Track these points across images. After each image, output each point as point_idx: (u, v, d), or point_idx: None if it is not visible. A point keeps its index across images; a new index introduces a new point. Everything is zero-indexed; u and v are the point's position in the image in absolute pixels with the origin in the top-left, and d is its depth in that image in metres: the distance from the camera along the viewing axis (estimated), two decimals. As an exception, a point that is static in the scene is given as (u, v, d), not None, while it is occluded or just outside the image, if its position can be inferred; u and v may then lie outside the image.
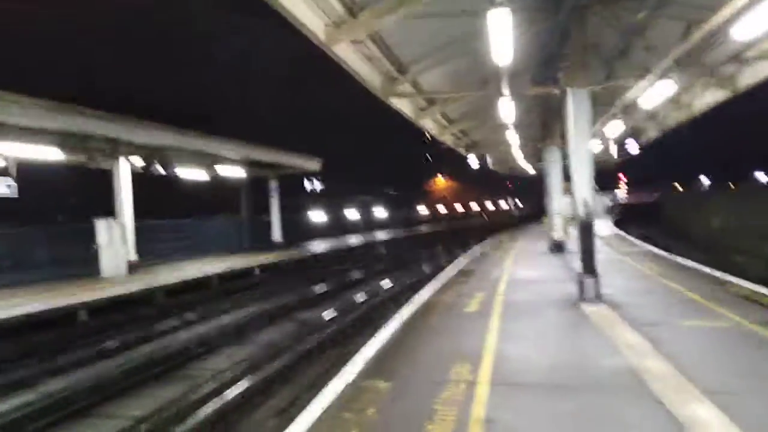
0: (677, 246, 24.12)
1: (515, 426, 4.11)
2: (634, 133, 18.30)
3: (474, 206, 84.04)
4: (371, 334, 7.46)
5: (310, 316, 12.86)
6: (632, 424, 4.06)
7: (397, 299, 14.76)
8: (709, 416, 4.08)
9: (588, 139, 9.05)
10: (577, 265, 8.83)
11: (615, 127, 15.79)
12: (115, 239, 15.62)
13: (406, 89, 11.48)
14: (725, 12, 6.30)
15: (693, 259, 14.45)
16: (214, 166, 19.69)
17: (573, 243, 14.99)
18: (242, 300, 14.65)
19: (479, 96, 12.58)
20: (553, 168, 17.93)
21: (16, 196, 13.25)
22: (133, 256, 16.49)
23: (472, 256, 18.12)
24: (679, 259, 14.17)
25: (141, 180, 17.16)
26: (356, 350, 6.61)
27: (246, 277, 18.06)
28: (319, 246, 26.68)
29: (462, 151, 20.38)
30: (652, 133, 20.51)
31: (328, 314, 12.37)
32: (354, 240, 31.65)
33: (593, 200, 8.67)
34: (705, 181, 74.01)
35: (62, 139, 13.36)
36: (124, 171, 16.35)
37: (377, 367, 5.72)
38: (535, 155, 21.77)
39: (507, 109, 11.52)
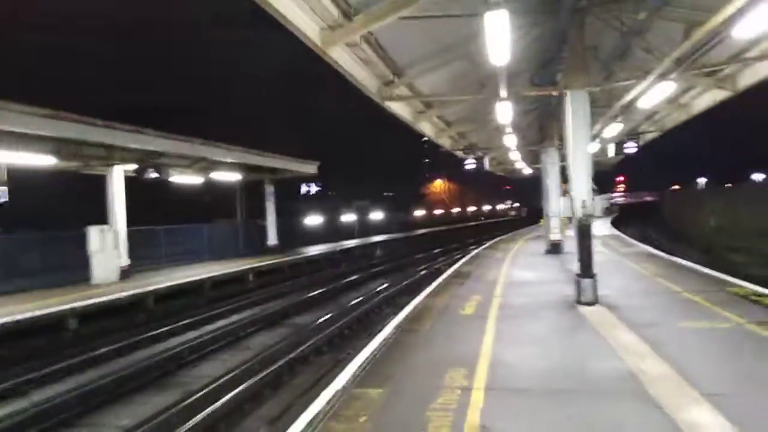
0: (675, 246, 24.10)
1: (511, 433, 4.00)
2: (632, 133, 18.20)
3: (472, 208, 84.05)
4: (366, 338, 7.35)
5: (305, 321, 12.74)
6: (631, 430, 3.96)
7: (392, 302, 14.68)
8: (709, 421, 3.97)
9: (587, 141, 8.97)
10: (575, 266, 8.73)
11: (613, 129, 15.73)
12: (108, 245, 15.47)
13: (402, 93, 11.38)
14: (725, 12, 6.21)
15: (691, 259, 14.40)
16: (210, 171, 19.55)
17: (570, 244, 14.92)
18: (236, 305, 14.51)
19: (477, 99, 12.50)
20: (550, 169, 17.87)
21: (5, 199, 13.08)
22: (126, 262, 16.34)
23: (469, 258, 18.02)
24: (677, 260, 14.10)
25: (135, 185, 17.02)
26: (350, 355, 6.49)
27: (240, 281, 17.92)
28: (315, 250, 26.55)
29: (460, 153, 20.27)
30: (650, 134, 20.45)
31: (323, 318, 12.24)
32: (350, 244, 31.51)
33: (592, 201, 8.57)
34: (703, 182, 74.11)
35: (56, 146, 13.22)
36: (118, 177, 16.22)
37: (370, 373, 5.59)
38: (533, 157, 21.69)
39: (505, 111, 11.43)
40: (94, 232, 15.25)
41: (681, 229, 34.99)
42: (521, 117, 14.95)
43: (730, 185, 42.89)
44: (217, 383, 7.76)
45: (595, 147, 17.41)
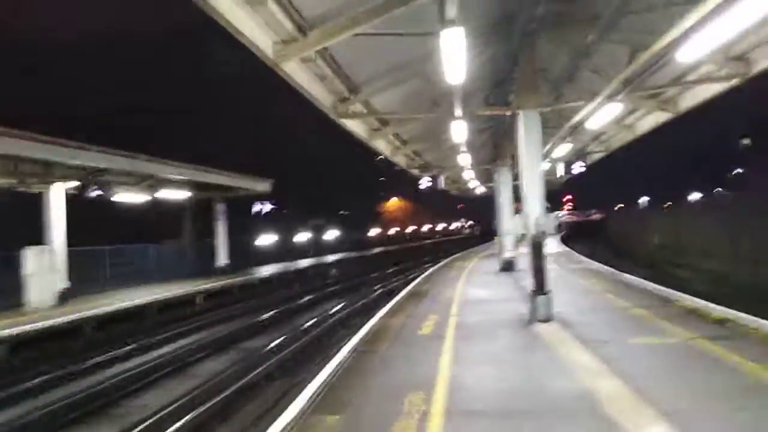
0: (621, 262, 24.95)
1: (472, 459, 3.86)
2: (580, 153, 18.87)
3: (427, 227, 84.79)
4: (321, 361, 7.08)
5: (257, 345, 12.26)
6: (591, 452, 3.90)
7: (347, 323, 14.40)
8: (667, 439, 3.97)
9: (539, 160, 9.15)
10: (528, 283, 8.80)
11: (563, 148, 16.22)
12: (45, 267, 14.51)
13: (358, 110, 11.32)
14: (668, 36, 6.48)
15: (636, 275, 14.88)
16: (157, 188, 18.79)
17: (523, 261, 15.14)
18: (183, 329, 13.84)
19: (432, 117, 12.60)
20: (503, 188, 18.19)
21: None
22: (65, 285, 15.36)
23: (425, 277, 18.00)
24: (624, 276, 14.54)
25: (77, 204, 16.13)
26: (305, 380, 6.21)
27: (187, 304, 17.18)
28: (267, 270, 25.91)
29: (415, 172, 20.40)
30: (597, 154, 21.25)
31: (275, 342, 11.82)
32: (304, 263, 30.99)
33: (545, 219, 8.69)
34: (645, 201, 77.78)
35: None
36: (57, 195, 15.31)
37: (326, 399, 5.35)
38: (487, 176, 22.08)
39: (459, 130, 11.55)
40: (30, 254, 14.30)
41: (626, 246, 36.41)
42: (475, 136, 15.18)
43: (669, 204, 45.16)
44: (160, 414, 7.28)
45: (546, 166, 17.92)
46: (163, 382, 9.57)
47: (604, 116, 11.04)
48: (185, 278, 21.39)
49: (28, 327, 11.21)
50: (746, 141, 55.36)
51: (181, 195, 20.52)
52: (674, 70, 10.38)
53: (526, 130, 8.99)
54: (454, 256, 30.58)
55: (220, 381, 8.90)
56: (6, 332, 10.69)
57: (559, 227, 53.85)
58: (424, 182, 19.03)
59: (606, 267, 17.61)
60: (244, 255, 27.88)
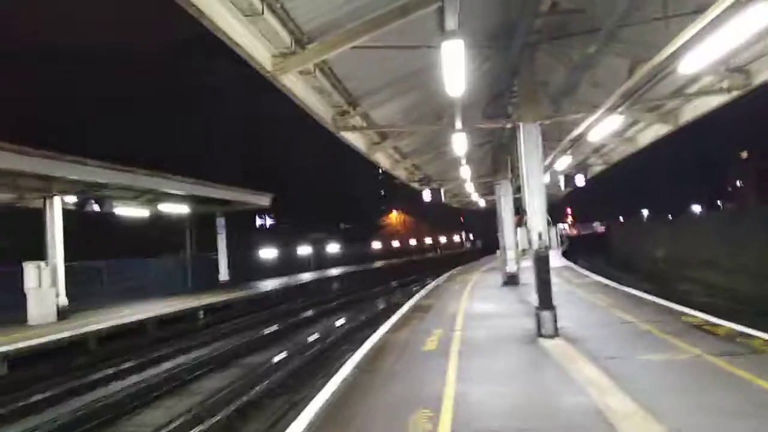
0: (623, 275, 24.80)
1: (480, 482, 3.73)
2: (581, 166, 18.81)
3: (428, 240, 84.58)
4: (324, 378, 6.95)
5: (259, 361, 12.10)
6: (604, 473, 3.77)
7: (350, 338, 14.23)
8: (682, 460, 3.84)
9: (540, 172, 9.08)
10: (533, 298, 8.68)
11: (564, 162, 16.16)
12: (45, 283, 14.40)
13: (357, 123, 11.29)
14: (668, 49, 6.45)
15: (639, 288, 14.74)
16: (157, 203, 18.74)
17: (526, 276, 15.00)
18: (184, 345, 13.68)
19: (432, 130, 12.57)
20: (505, 202, 18.10)
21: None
22: (64, 301, 15.23)
23: (428, 291, 17.85)
24: (628, 290, 14.39)
25: (76, 219, 16.07)
26: (307, 397, 6.09)
27: (189, 320, 17.03)
28: (268, 284, 25.75)
29: (415, 185, 20.34)
30: (598, 167, 21.21)
31: (277, 358, 11.66)
32: (306, 277, 30.82)
33: (547, 233, 8.60)
34: (646, 214, 77.67)
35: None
36: (56, 210, 15.25)
37: (329, 418, 5.22)
38: (487, 189, 22.02)
39: (459, 143, 11.51)
40: (29, 269, 14.21)
41: (629, 259, 36.22)
42: (475, 149, 15.15)
43: (670, 217, 45.04)
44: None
45: (547, 179, 17.88)
46: (163, 399, 9.41)
47: (604, 129, 10.99)
48: (186, 293, 21.25)
49: (29, 342, 11.09)
50: (744, 154, 55.40)
51: (181, 209, 20.47)
52: (675, 82, 10.37)
53: (527, 143, 8.94)
54: (456, 269, 30.41)
55: (221, 398, 8.75)
56: (8, 348, 10.57)
57: (562, 241, 53.65)
58: (426, 195, 18.95)
59: (610, 281, 17.46)
60: (246, 269, 27.76)
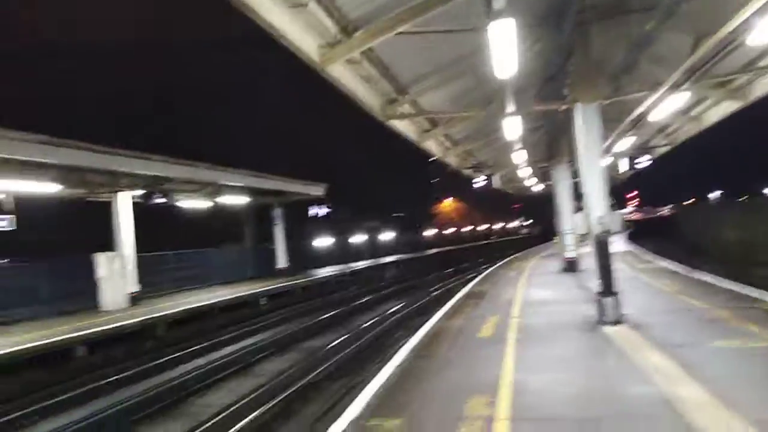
0: (694, 260, 23.45)
1: (540, 469, 3.66)
2: (644, 147, 17.91)
3: (483, 227, 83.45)
4: (380, 362, 7.02)
5: (317, 344, 12.41)
6: (673, 465, 3.60)
7: (404, 324, 14.31)
8: (761, 453, 3.60)
9: (599, 154, 8.71)
10: (593, 284, 8.37)
11: (625, 143, 15.45)
12: (116, 272, 15.33)
13: (406, 110, 11.20)
14: (737, 20, 6.00)
15: (711, 274, 13.91)
16: (217, 195, 19.47)
17: (586, 262, 14.51)
18: (246, 329, 14.22)
19: (484, 115, 12.29)
20: (562, 186, 17.57)
21: (13, 228, 13.05)
22: (135, 288, 16.17)
23: (483, 278, 17.63)
24: (698, 275, 13.62)
25: (142, 211, 16.96)
26: (364, 381, 6.17)
27: (250, 305, 17.65)
28: (325, 272, 26.25)
29: (468, 171, 20.05)
30: (662, 147, 20.13)
31: (335, 342, 11.90)
32: (361, 265, 31.18)
33: (608, 216, 8.25)
34: (717, 195, 73.15)
35: (61, 174, 13.19)
36: (125, 203, 16.16)
37: (385, 402, 5.26)
38: (543, 174, 21.39)
39: (512, 126, 11.21)
40: (101, 259, 15.15)
41: (699, 243, 34.22)
42: (529, 133, 14.71)
43: (745, 198, 42.10)
44: (225, 413, 7.45)
45: (607, 161, 17.16)
46: (228, 381, 9.83)
47: (667, 108, 10.40)
48: (247, 280, 22.03)
49: (104, 327, 11.85)
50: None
51: (239, 200, 21.16)
52: (744, 55, 9.63)
53: (584, 125, 8.58)
54: (512, 257, 29.85)
55: (282, 381, 9.04)
56: (86, 332, 11.34)
57: (626, 225, 51.41)
58: (479, 182, 18.63)
59: (678, 266, 16.59)
60: (302, 257, 28.42)
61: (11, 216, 13.26)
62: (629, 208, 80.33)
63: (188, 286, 19.83)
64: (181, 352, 11.64)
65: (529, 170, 20.63)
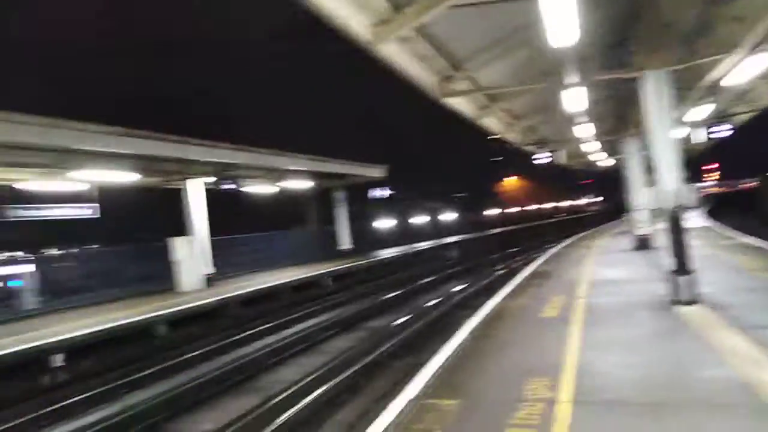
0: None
1: (604, 452, 3.59)
2: (722, 115, 16.59)
3: (549, 204, 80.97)
4: (441, 342, 7.07)
5: (380, 324, 12.65)
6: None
7: (467, 304, 14.25)
8: None
9: (670, 125, 8.19)
10: (667, 262, 7.96)
11: (699, 111, 14.38)
12: (192, 255, 16.27)
13: (463, 87, 10.91)
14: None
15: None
16: (282, 180, 20.10)
17: (659, 239, 13.78)
18: (313, 309, 14.72)
19: (546, 89, 11.79)
20: (631, 160, 16.72)
21: (98, 216, 14.14)
22: (210, 270, 17.12)
23: (548, 257, 17.20)
24: (788, 252, 12.61)
25: (214, 197, 17.83)
26: (424, 360, 6.25)
27: (316, 286, 18.22)
28: (387, 253, 26.53)
29: (530, 148, 19.43)
30: (744, 114, 18.55)
31: (397, 321, 12.10)
32: (423, 245, 31.21)
33: (682, 191, 7.78)
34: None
35: (137, 163, 14.08)
36: (198, 189, 17.05)
37: (443, 382, 5.32)
38: (612, 148, 20.38)
39: (576, 98, 10.73)
40: (178, 243, 16.12)
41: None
42: (594, 105, 13.99)
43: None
44: (295, 388, 7.80)
45: (680, 132, 16.10)
46: (297, 357, 10.27)
47: (748, 71, 9.52)
48: (313, 262, 22.74)
49: (182, 306, 12.69)
50: None
51: (302, 184, 21.74)
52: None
53: (654, 93, 8.07)
54: (580, 235, 28.83)
55: (348, 358, 9.32)
56: (167, 311, 12.20)
57: (704, 199, 48.11)
58: (543, 158, 18.03)
59: (763, 242, 15.40)
60: (365, 239, 28.87)
61: (96, 205, 14.38)
62: (708, 182, 74.90)
63: (257, 268, 20.73)
64: (254, 330, 12.25)
65: (597, 144, 19.72)
